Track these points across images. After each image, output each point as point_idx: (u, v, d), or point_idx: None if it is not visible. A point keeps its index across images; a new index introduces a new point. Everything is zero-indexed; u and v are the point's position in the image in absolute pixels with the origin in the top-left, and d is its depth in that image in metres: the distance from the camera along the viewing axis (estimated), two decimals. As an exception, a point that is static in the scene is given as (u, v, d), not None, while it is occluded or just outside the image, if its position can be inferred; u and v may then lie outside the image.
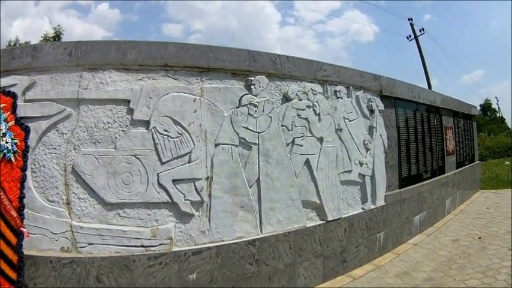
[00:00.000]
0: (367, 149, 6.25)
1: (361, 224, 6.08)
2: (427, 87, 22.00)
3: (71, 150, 4.05)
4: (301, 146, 5.25)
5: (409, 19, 27.49)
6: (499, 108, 62.92)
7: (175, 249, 4.17)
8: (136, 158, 4.15)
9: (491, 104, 61.84)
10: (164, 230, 4.18)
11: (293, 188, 5.11)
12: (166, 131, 4.26)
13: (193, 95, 4.44)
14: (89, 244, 3.96)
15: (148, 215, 4.17)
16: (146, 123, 4.22)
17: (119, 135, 4.16)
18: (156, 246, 4.12)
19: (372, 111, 6.43)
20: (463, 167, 11.39)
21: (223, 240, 4.44)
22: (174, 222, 4.25)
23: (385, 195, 6.61)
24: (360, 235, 6.05)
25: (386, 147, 6.70)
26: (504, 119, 59.39)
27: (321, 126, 5.50)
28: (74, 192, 4.03)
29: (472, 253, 6.50)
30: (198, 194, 4.36)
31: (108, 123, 4.15)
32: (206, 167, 4.44)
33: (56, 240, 3.94)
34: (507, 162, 23.76)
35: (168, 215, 4.25)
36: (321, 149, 5.47)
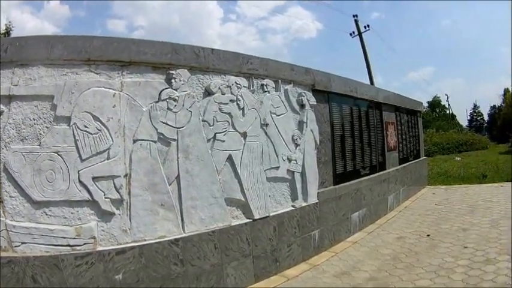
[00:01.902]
0: (297, 145, 6.46)
1: (292, 222, 6.30)
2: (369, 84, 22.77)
3: (2, 148, 4.10)
4: (223, 141, 5.39)
5: (354, 15, 28.98)
6: (449, 105, 66.11)
7: (99, 248, 4.26)
8: (59, 155, 4.23)
9: (440, 101, 65.46)
10: (87, 229, 4.25)
11: (215, 185, 5.25)
12: (86, 126, 4.33)
13: (113, 89, 4.52)
14: (22, 243, 4.03)
15: (72, 213, 4.24)
16: (68, 119, 4.30)
17: (43, 132, 4.23)
18: (81, 245, 4.20)
19: (302, 106, 6.65)
20: (407, 163, 12.06)
21: (145, 240, 4.53)
22: (96, 221, 4.32)
23: (318, 192, 6.87)
24: (291, 234, 6.27)
25: (318, 143, 6.99)
26: (455, 116, 63.37)
27: (244, 121, 5.67)
28: (6, 191, 4.08)
29: (420, 251, 6.54)
30: (118, 191, 4.44)
31: (34, 119, 4.22)
32: (125, 164, 4.52)
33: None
34: (458, 158, 24.95)
35: (90, 214, 4.32)
36: (245, 144, 5.63)
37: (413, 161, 12.84)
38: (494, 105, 60.22)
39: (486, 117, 66.97)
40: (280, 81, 6.33)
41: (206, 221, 5.12)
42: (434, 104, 65.37)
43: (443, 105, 66.55)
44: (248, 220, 5.61)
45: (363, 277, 5.63)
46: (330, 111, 7.61)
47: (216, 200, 5.24)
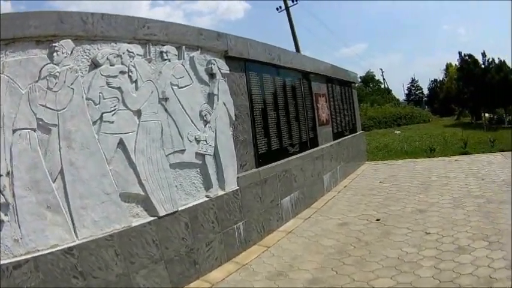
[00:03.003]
0: (206, 122, 5.83)
1: (208, 216, 5.67)
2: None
3: None
4: (112, 123, 4.62)
5: None
6: (384, 79, 69.62)
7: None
8: None
9: (374, 75, 68.99)
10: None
11: (106, 178, 4.50)
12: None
13: (-7, 72, 3.86)
14: None
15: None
16: None
17: None
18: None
19: (212, 76, 6.02)
20: (342, 138, 11.83)
21: (38, 250, 3.94)
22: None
23: (238, 177, 6.31)
24: (209, 229, 5.65)
25: (234, 119, 6.39)
26: (390, 90, 67.35)
27: (138, 96, 4.91)
28: None
29: (371, 241, 5.85)
30: (2, 194, 3.85)
31: None
32: (5, 159, 3.90)
33: None
34: (397, 132, 26.06)
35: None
36: (139, 125, 4.91)
37: (349, 136, 12.67)
38: (435, 79, 62.22)
39: (426, 91, 68.92)
40: (184, 47, 5.63)
41: (101, 223, 4.40)
42: (368, 79, 67.74)
43: (378, 80, 70.13)
44: (152, 218, 4.89)
45: (304, 279, 4.91)
46: (248, 82, 6.99)
47: (109, 197, 4.50)
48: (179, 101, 5.49)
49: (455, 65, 44.43)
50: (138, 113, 4.92)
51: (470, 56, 36.58)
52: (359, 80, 19.58)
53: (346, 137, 12.17)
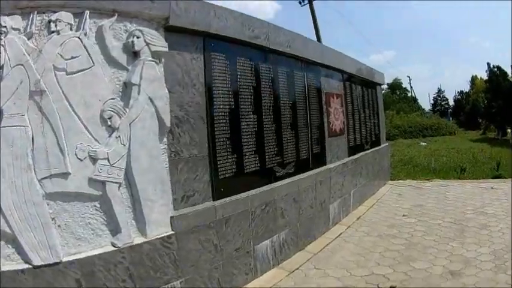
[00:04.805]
0: (112, 129, 3.82)
1: (115, 273, 3.66)
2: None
3: None
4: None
5: None
6: (411, 87, 71.15)
7: None
8: None
9: (401, 83, 68.78)
10: None
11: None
12: None
13: None
14: None
15: None
16: None
17: None
18: None
19: (135, 55, 4.01)
20: (361, 153, 9.51)
21: None
22: None
23: (174, 217, 4.18)
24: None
25: (169, 124, 4.23)
26: (417, 99, 67.44)
27: (-2, 89, 3.15)
28: None
29: None
30: None
31: None
32: None
33: None
34: (423, 143, 25.57)
35: None
36: (-2, 132, 3.29)
37: (370, 150, 10.30)
38: (461, 91, 62.25)
39: (451, 103, 68.22)
40: (88, 12, 3.76)
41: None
42: (395, 86, 67.35)
43: (405, 88, 69.69)
44: (27, 266, 3.34)
45: None
46: (208, 68, 4.77)
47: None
48: (64, 95, 3.61)
49: (481, 78, 45.89)
50: (-4, 115, 3.19)
51: (499, 68, 35.65)
52: (386, 87, 17.73)
53: (366, 152, 9.84)
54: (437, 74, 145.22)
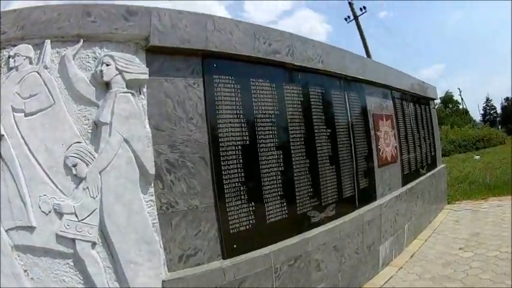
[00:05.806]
0: (80, 178, 3.18)
1: None
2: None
3: None
4: None
5: (349, 2, 28.06)
6: (462, 99, 70.70)
7: None
8: None
9: (452, 96, 67.79)
10: None
11: None
12: None
13: None
14: None
15: None
16: None
17: None
18: None
19: (107, 86, 3.33)
20: (417, 180, 8.18)
21: None
22: None
23: (166, 281, 3.37)
24: None
25: (152, 172, 3.35)
26: (468, 111, 66.18)
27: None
28: None
29: None
30: None
31: None
32: None
33: None
34: (477, 157, 24.16)
35: None
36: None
37: (426, 174, 8.90)
38: (507, 97, 61.85)
39: (499, 111, 67.74)
40: (49, 42, 3.26)
41: None
42: (447, 99, 66.84)
43: (456, 101, 68.28)
44: None
45: None
46: (209, 95, 3.84)
47: None
48: (24, 140, 3.17)
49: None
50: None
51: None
52: (438, 102, 16.54)
53: (422, 178, 8.48)
54: (486, 82, 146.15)
